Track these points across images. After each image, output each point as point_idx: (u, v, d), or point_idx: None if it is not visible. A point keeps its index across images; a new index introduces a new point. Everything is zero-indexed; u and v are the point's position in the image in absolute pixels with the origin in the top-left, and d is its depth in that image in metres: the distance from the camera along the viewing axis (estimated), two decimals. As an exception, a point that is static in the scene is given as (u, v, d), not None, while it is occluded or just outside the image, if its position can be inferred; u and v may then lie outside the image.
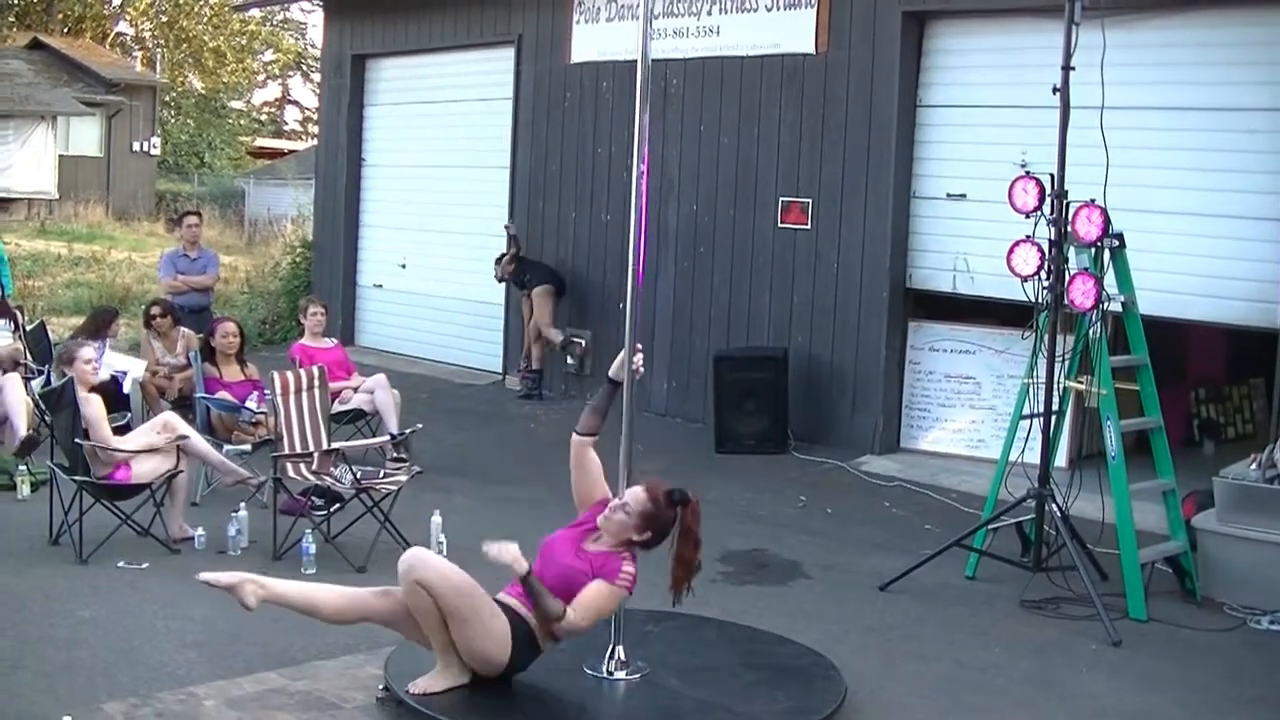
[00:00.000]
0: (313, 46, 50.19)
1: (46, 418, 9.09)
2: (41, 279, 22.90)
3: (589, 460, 6.21)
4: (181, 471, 8.57)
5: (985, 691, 6.61)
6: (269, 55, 52.81)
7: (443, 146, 16.39)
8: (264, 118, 56.05)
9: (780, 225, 12.43)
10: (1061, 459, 9.84)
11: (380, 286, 17.37)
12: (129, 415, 10.59)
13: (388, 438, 10.07)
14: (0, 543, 8.39)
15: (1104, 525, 8.16)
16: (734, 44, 12.76)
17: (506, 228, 14.25)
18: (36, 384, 10.57)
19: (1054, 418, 8.31)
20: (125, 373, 11.41)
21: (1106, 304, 7.96)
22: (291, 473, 8.90)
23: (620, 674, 6.18)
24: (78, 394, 8.39)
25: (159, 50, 46.78)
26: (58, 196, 35.24)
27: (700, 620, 6.93)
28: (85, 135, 37.94)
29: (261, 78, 54.41)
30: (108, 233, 31.72)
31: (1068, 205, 7.95)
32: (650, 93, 6.34)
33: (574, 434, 6.23)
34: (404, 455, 9.84)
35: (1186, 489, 8.64)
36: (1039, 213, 8.02)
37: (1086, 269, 7.93)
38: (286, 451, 9.02)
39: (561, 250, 14.21)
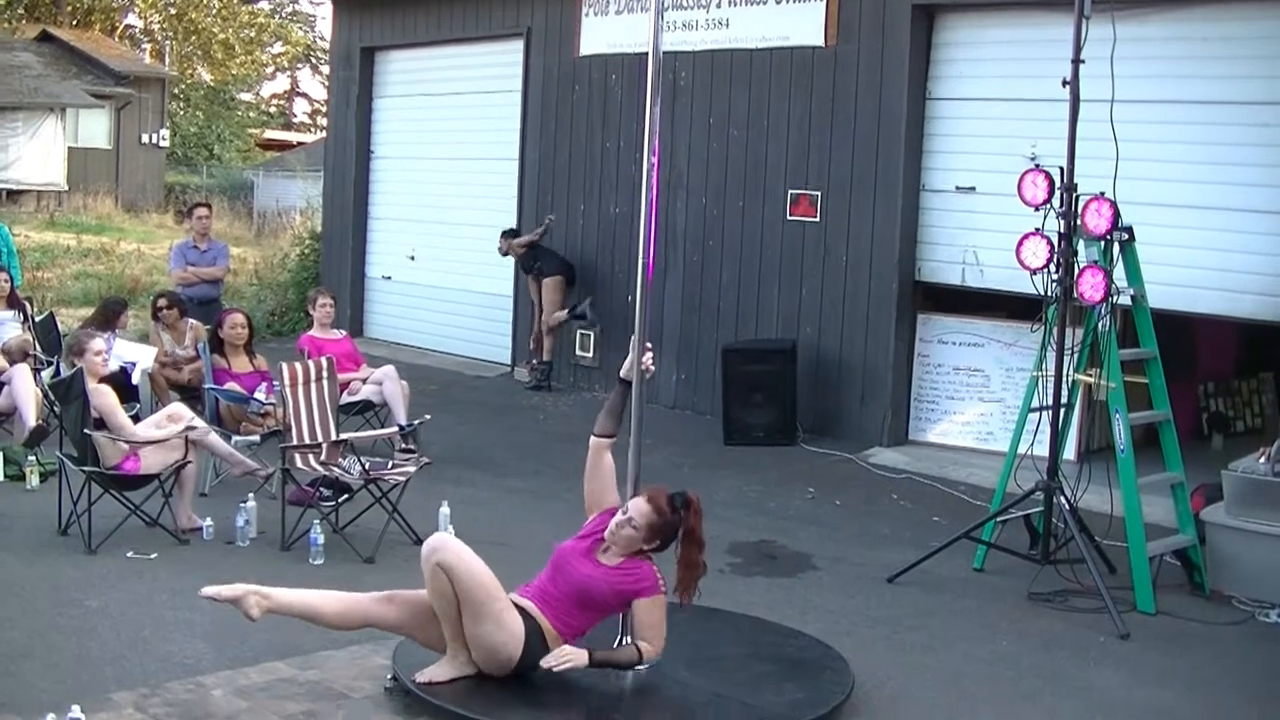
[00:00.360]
0: (321, 39, 50.41)
1: (55, 408, 9.11)
2: (51, 271, 22.92)
3: (604, 464, 6.23)
4: (190, 462, 8.58)
5: (993, 683, 6.61)
6: (278, 48, 52.82)
7: (451, 139, 16.39)
8: (273, 110, 56.10)
9: (789, 218, 12.42)
10: (1070, 452, 9.85)
11: (389, 278, 17.38)
12: (138, 406, 10.59)
13: (396, 429, 10.09)
14: (9, 533, 8.41)
15: (1112, 518, 8.15)
16: (743, 37, 12.75)
17: (549, 220, 14.24)
18: (45, 375, 10.58)
19: (1063, 411, 8.30)
20: (134, 364, 11.42)
21: (1116, 297, 7.96)
22: (300, 463, 8.91)
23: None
24: (88, 385, 8.40)
25: (168, 42, 46.80)
26: (67, 188, 35.26)
27: (709, 611, 6.93)
28: (94, 127, 37.97)
29: (270, 70, 54.43)
30: (117, 225, 31.73)
31: (1077, 198, 7.94)
32: (660, 85, 6.34)
33: (592, 436, 6.27)
34: (412, 446, 9.85)
35: (1195, 482, 8.63)
36: (1048, 206, 8.02)
37: (1096, 262, 7.93)
38: (295, 442, 9.03)
39: (570, 243, 14.20)
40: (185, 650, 6.50)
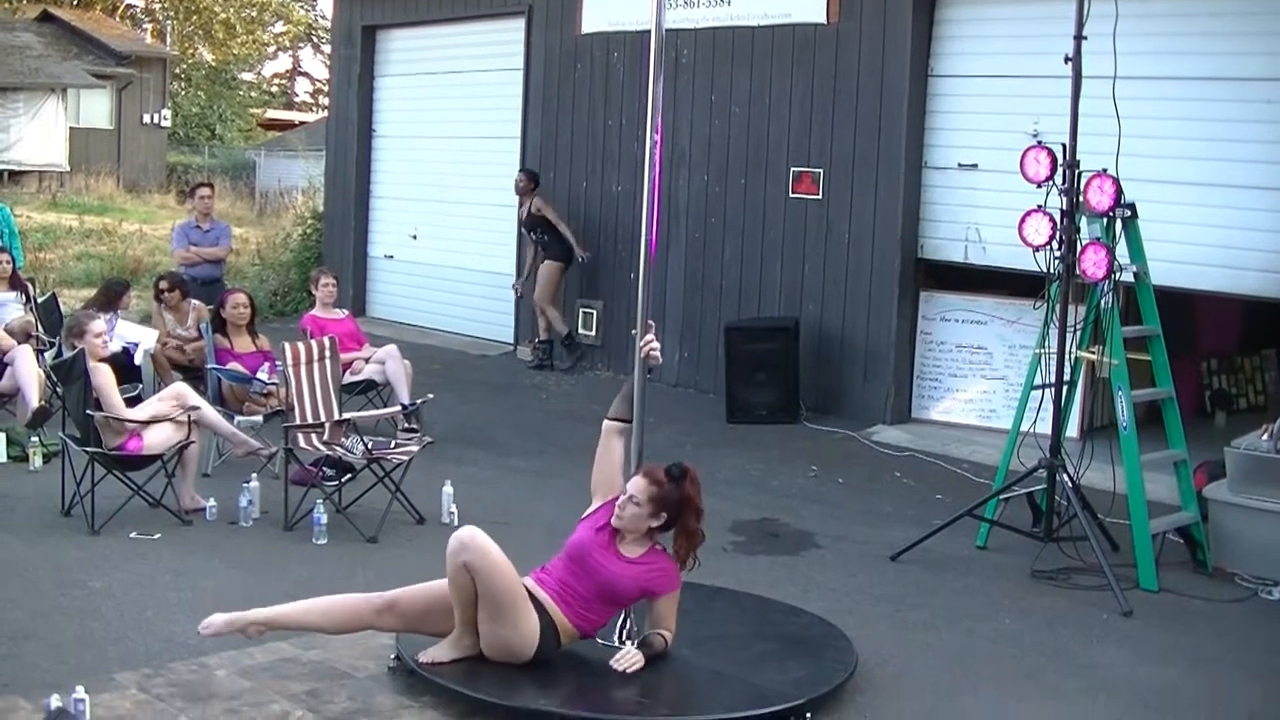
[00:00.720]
0: (323, 18, 50.19)
1: (58, 389, 9.11)
2: (53, 251, 22.91)
3: (613, 449, 6.23)
4: (193, 442, 8.58)
5: (996, 661, 6.61)
6: (279, 27, 52.71)
7: (453, 117, 16.37)
8: (274, 89, 55.96)
9: (792, 195, 12.40)
10: (1073, 429, 9.83)
11: (391, 257, 17.37)
12: (140, 386, 10.60)
13: (399, 408, 10.10)
14: (13, 514, 8.42)
15: (1115, 496, 8.16)
16: (745, 14, 12.72)
17: (582, 257, 14.04)
18: (48, 356, 10.58)
19: (1065, 388, 8.30)
20: (137, 344, 11.43)
21: (1118, 274, 7.94)
22: (303, 443, 8.91)
23: (632, 644, 6.19)
24: (88, 365, 8.39)
25: (169, 22, 46.68)
26: (69, 169, 35.22)
27: (712, 590, 6.94)
28: (96, 108, 37.92)
29: (272, 49, 54.32)
30: (119, 205, 31.71)
31: (1080, 175, 7.93)
32: (662, 63, 6.33)
33: (605, 420, 6.28)
34: (415, 425, 9.88)
35: (1198, 459, 8.63)
36: (1051, 183, 8.00)
37: (1098, 239, 7.92)
38: (298, 422, 9.03)
39: (572, 221, 14.15)
40: (188, 630, 6.49)
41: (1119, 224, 8.05)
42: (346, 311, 12.07)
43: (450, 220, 16.39)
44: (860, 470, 10.52)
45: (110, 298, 11.76)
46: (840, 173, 12.03)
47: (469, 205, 16.02)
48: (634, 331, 6.30)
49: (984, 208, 11.09)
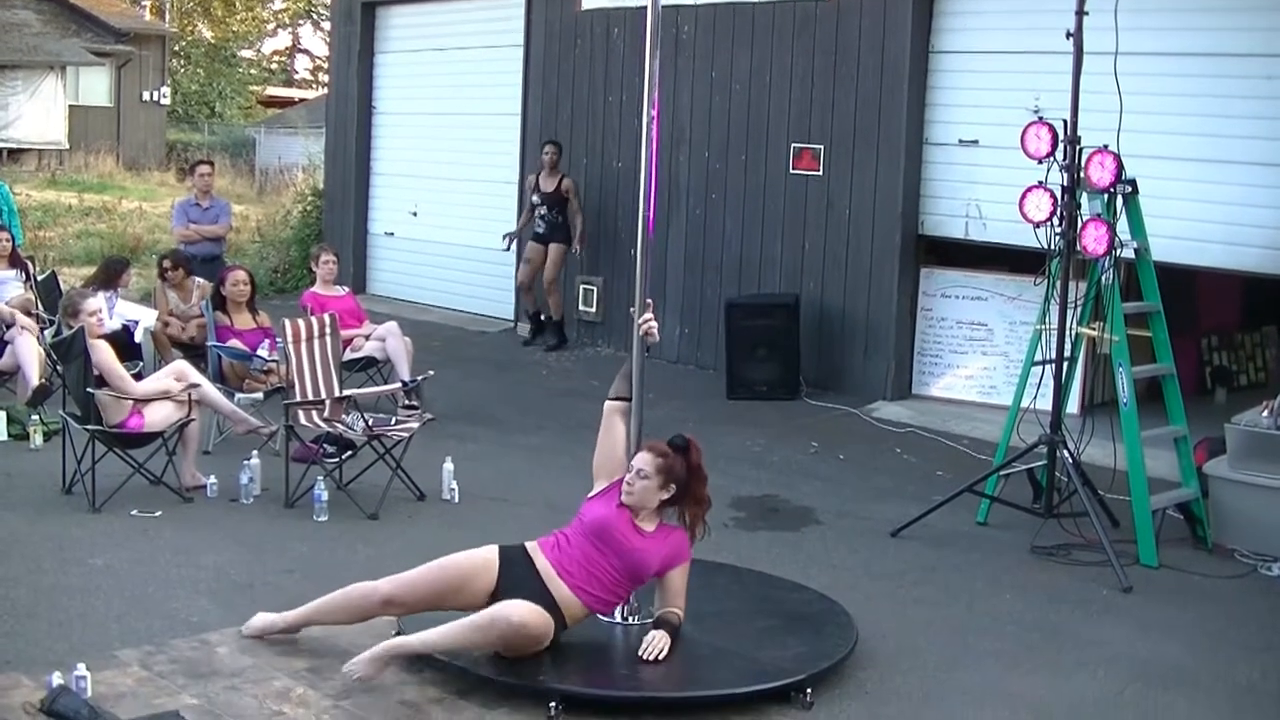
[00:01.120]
0: (322, -6, 50.00)
1: (58, 367, 9.10)
2: (52, 230, 22.88)
3: (615, 429, 6.24)
4: (193, 420, 8.58)
5: (996, 637, 6.63)
6: (279, 3, 52.58)
7: (453, 94, 16.31)
8: (274, 67, 55.81)
9: (792, 172, 12.38)
10: (1073, 406, 9.84)
11: (391, 234, 17.35)
12: (141, 364, 10.60)
13: (399, 385, 10.09)
14: (14, 492, 8.43)
15: (1115, 472, 8.17)
16: (745, -11, 12.70)
17: (577, 249, 13.95)
18: (47, 334, 10.57)
19: (1066, 364, 8.30)
20: (137, 322, 11.42)
21: (1119, 250, 7.94)
22: (303, 420, 8.92)
23: (634, 621, 6.20)
24: (88, 342, 8.38)
25: (167, -1, 46.60)
26: (68, 147, 35.15)
27: (713, 567, 6.94)
28: (95, 85, 37.84)
29: (271, 26, 54.18)
30: (118, 183, 31.66)
31: (1081, 151, 7.92)
32: (661, 40, 6.31)
33: (606, 400, 6.29)
34: (415, 402, 9.87)
35: (1198, 436, 8.63)
36: (1051, 159, 7.99)
37: (1099, 215, 7.91)
38: (298, 399, 9.03)
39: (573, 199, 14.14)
40: (190, 608, 6.52)
41: (1120, 200, 8.04)
42: (347, 288, 12.05)
43: (450, 197, 16.36)
44: (861, 446, 10.52)
45: (110, 276, 11.75)
46: (841, 149, 12.01)
47: (469, 182, 15.99)
48: (632, 309, 6.31)
49: (985, 184, 11.08)
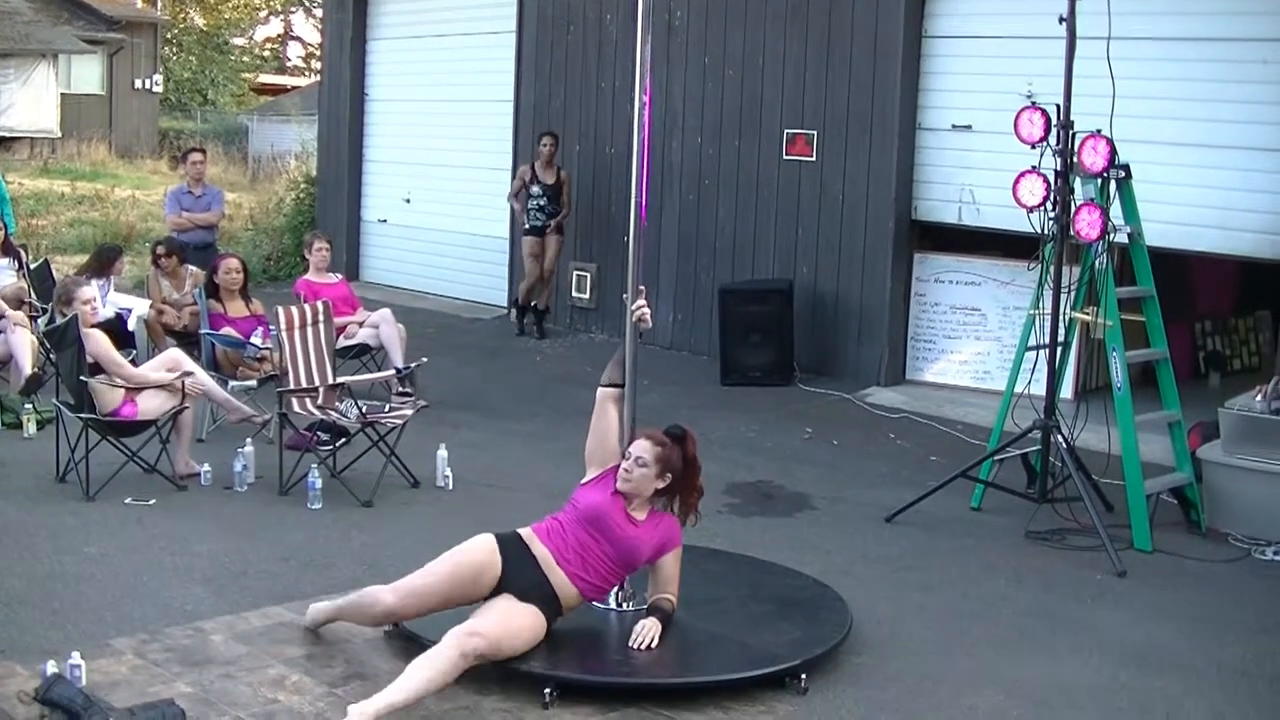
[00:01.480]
0: (314, -19, 49.88)
1: (51, 356, 9.08)
2: (45, 218, 22.85)
3: (608, 416, 6.19)
4: (187, 408, 8.56)
5: (990, 622, 6.63)
6: (270, -9, 52.46)
7: (446, 81, 16.29)
8: (267, 54, 55.69)
9: (785, 158, 12.38)
10: (1067, 390, 9.85)
11: (385, 221, 17.33)
12: (134, 352, 10.58)
13: (393, 372, 10.08)
14: (8, 481, 8.41)
15: (1109, 457, 8.16)
16: (738, -25, 12.67)
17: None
18: (40, 322, 10.55)
19: (1060, 349, 8.30)
20: (130, 310, 11.40)
21: (1112, 235, 7.93)
22: (297, 408, 8.91)
23: (628, 607, 6.20)
24: (81, 331, 8.36)
25: (159, -14, 46.47)
26: (60, 135, 35.07)
27: (707, 552, 6.94)
28: (87, 73, 37.74)
29: (264, 13, 53.99)
30: (111, 171, 31.61)
31: (1074, 136, 7.92)
32: (654, 25, 6.30)
33: (599, 387, 6.26)
34: (409, 389, 9.86)
35: (1192, 420, 8.63)
36: (1045, 143, 7.99)
37: (1092, 200, 7.90)
38: (292, 387, 9.02)
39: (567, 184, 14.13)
40: (184, 596, 6.52)
41: (1113, 185, 8.04)
42: (340, 276, 12.03)
43: (443, 184, 16.34)
44: (855, 432, 10.53)
45: (103, 264, 11.72)
46: (834, 135, 12.00)
47: (462, 169, 15.97)
48: (625, 296, 6.30)
49: (978, 169, 11.08)
